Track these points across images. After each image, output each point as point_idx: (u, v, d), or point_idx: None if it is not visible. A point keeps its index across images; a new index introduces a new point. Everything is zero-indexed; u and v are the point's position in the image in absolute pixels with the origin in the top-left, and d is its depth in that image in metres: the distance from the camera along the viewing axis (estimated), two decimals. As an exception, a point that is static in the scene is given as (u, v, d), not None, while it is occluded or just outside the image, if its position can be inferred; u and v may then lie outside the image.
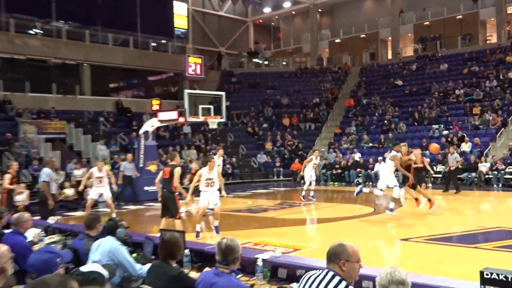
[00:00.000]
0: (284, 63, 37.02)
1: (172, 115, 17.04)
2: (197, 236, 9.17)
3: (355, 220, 11.62)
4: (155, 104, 26.18)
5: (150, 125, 17.83)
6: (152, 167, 17.29)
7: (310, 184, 15.39)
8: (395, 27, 33.82)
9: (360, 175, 22.00)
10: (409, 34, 34.31)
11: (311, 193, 15.45)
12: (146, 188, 16.63)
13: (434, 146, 13.88)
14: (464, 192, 16.87)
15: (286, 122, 28.90)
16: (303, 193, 15.28)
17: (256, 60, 37.11)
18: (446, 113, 24.60)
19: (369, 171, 21.91)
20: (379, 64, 33.50)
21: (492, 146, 21.11)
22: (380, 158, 21.90)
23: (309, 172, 15.38)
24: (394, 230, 9.95)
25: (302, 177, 16.02)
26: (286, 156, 25.67)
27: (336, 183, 22.09)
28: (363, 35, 35.90)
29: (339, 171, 22.57)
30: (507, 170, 18.62)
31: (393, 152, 11.49)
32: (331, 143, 26.11)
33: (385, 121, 25.95)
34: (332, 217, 12.38)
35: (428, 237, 8.83)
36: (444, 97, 26.10)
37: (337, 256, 3.20)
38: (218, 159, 12.60)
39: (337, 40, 37.25)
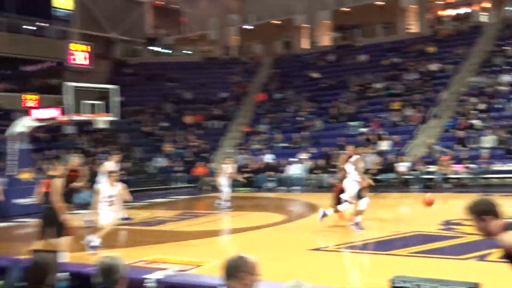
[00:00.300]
0: (187, 52, 36.92)
1: (51, 112, 16.47)
2: (92, 250, 9.10)
3: (265, 230, 11.95)
4: (31, 99, 25.10)
5: (23, 125, 17.08)
6: (26, 176, 16.59)
7: (224, 192, 15.76)
8: (312, 13, 34.87)
9: (271, 179, 22.57)
10: (327, 22, 35.54)
11: (221, 202, 15.73)
12: (17, 201, 15.92)
13: (429, 200, 12.54)
14: (381, 195, 17.85)
15: (189, 120, 28.90)
16: (223, 203, 15.62)
17: (155, 48, 36.68)
18: (365, 109, 25.91)
19: (281, 174, 22.49)
20: (294, 54, 34.37)
21: (411, 144, 22.55)
22: (293, 159, 22.62)
23: (224, 182, 15.80)
24: (305, 239, 10.35)
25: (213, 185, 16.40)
26: (188, 159, 25.66)
27: (245, 188, 22.40)
28: (277, 22, 36.64)
29: (249, 174, 22.88)
30: (426, 170, 20.00)
31: (356, 156, 11.53)
32: (240, 143, 26.50)
33: (300, 118, 26.78)
34: (240, 227, 12.62)
35: (340, 245, 9.30)
36: (363, 91, 27.44)
37: (238, 269, 3.32)
38: (114, 165, 12.47)
39: (248, 27, 37.73)
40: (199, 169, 24.00)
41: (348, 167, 11.37)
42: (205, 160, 24.97)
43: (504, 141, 20.41)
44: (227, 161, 16.93)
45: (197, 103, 30.52)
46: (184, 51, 37.04)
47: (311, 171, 22.23)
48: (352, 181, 11.25)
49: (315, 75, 30.62)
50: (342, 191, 11.52)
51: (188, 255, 8.87)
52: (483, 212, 3.62)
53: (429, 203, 11.07)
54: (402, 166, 20.28)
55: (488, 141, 20.80)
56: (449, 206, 16.37)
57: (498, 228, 3.56)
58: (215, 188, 18.95)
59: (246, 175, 22.83)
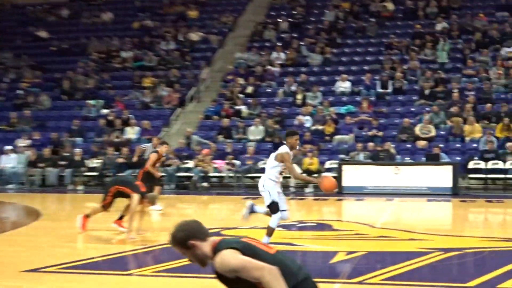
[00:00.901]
0: None
1: None
2: None
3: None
4: None
5: None
6: None
7: None
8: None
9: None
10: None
11: None
12: None
13: (330, 183, 11.06)
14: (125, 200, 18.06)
15: None
16: None
17: None
18: (108, 84, 26.04)
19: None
20: (14, 3, 33.49)
21: (165, 132, 23.24)
22: (7, 147, 21.78)
23: None
24: (19, 257, 10.09)
25: None
26: None
27: None
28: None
29: None
30: (181, 166, 20.80)
31: (284, 148, 9.87)
32: None
33: (20, 92, 26.13)
34: None
35: (64, 265, 9.24)
36: (106, 61, 27.54)
37: None
38: None
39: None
40: None
41: (270, 163, 10.17)
42: None
43: (272, 133, 22.07)
44: None
45: None
46: None
47: (32, 164, 21.65)
48: (270, 180, 10.12)
49: (42, 34, 30.05)
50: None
51: None
52: (186, 239, 3.89)
53: (330, 188, 10.54)
54: (152, 160, 20.78)
55: (255, 132, 22.35)
56: (208, 211, 17.25)
57: (209, 251, 3.88)
58: None
59: None
